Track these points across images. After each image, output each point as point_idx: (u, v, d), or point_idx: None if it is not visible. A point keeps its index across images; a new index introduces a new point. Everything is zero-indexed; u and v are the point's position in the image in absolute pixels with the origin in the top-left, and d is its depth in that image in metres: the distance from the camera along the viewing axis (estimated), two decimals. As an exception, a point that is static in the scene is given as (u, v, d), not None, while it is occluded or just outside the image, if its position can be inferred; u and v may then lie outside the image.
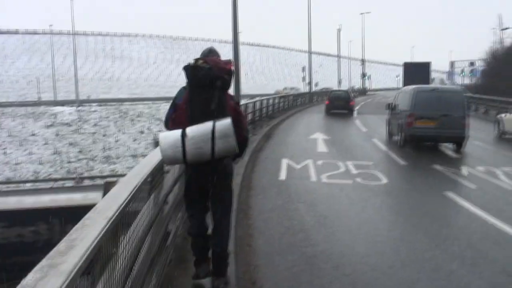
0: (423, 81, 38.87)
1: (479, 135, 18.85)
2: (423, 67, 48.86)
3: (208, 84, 4.18)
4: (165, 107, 61.95)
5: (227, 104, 4.29)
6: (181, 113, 4.28)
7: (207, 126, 4.06)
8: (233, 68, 4.37)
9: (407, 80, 45.22)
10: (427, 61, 50.17)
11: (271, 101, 28.23)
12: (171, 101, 4.47)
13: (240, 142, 4.24)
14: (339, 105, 30.50)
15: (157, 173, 4.53)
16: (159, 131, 52.14)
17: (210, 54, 4.50)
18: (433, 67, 52.43)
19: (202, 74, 4.18)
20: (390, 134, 17.28)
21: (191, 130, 4.06)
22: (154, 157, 4.66)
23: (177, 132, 4.08)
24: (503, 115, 20.02)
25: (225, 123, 4.07)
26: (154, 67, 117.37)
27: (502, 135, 19.38)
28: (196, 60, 4.26)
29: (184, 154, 4.05)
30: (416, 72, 47.22)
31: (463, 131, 14.68)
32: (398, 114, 15.98)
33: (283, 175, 11.28)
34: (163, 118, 4.51)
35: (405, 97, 15.59)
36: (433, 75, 55.52)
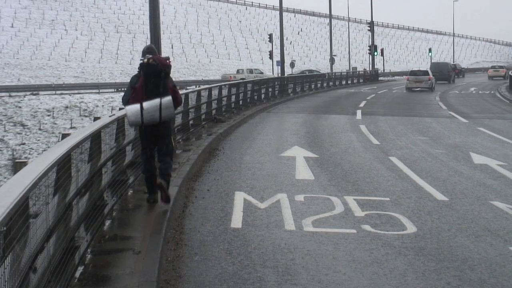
0: None
1: None
2: None
3: (156, 75, 10.97)
4: (31, 102, 61.15)
5: (168, 87, 11.19)
6: (138, 92, 10.99)
7: (156, 101, 10.78)
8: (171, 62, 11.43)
9: None
10: None
11: (215, 93, 28.24)
12: (128, 85, 11.39)
13: (176, 108, 11.72)
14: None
15: (17, 220, 4.48)
16: (21, 144, 51.63)
17: (148, 50, 11.25)
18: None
19: (153, 68, 10.93)
20: None
21: (146, 104, 10.70)
22: (12, 190, 4.57)
23: (137, 105, 10.72)
24: None
25: (168, 99, 10.91)
26: (13, 34, 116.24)
27: None
28: (148, 59, 10.93)
29: (142, 119, 10.68)
30: None
31: None
32: None
33: (237, 221, 11.30)
34: (121, 98, 11.91)
35: None
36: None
